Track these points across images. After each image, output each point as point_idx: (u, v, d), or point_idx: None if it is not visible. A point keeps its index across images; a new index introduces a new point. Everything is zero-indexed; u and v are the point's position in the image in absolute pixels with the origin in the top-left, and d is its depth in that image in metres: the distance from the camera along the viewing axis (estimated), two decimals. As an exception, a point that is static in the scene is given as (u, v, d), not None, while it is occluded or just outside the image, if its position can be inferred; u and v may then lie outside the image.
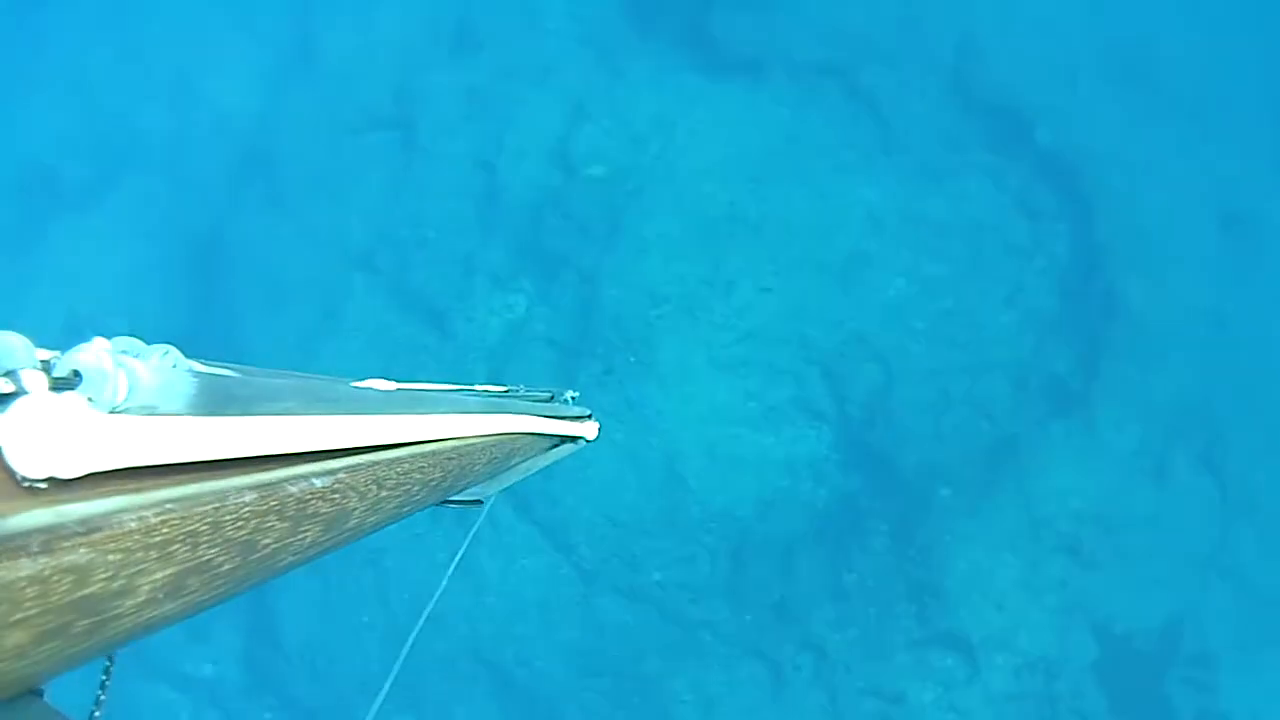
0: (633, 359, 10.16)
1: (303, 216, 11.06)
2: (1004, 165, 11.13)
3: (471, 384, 1.92)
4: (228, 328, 11.19)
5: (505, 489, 1.93)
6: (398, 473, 1.19)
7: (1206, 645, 11.43)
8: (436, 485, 1.35)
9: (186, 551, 0.74)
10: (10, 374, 0.65)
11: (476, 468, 1.56)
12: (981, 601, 10.92)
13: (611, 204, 10.48)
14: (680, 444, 10.21)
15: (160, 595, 0.71)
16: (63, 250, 12.04)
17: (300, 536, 0.93)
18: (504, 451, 1.70)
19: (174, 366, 0.85)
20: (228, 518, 0.80)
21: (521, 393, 2.14)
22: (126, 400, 0.71)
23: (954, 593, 10.82)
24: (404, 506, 1.24)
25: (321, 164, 11.18)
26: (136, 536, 0.68)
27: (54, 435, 0.62)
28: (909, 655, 10.84)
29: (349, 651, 10.17)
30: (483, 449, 1.56)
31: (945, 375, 10.82)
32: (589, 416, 2.33)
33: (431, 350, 10.37)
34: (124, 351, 0.79)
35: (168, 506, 0.72)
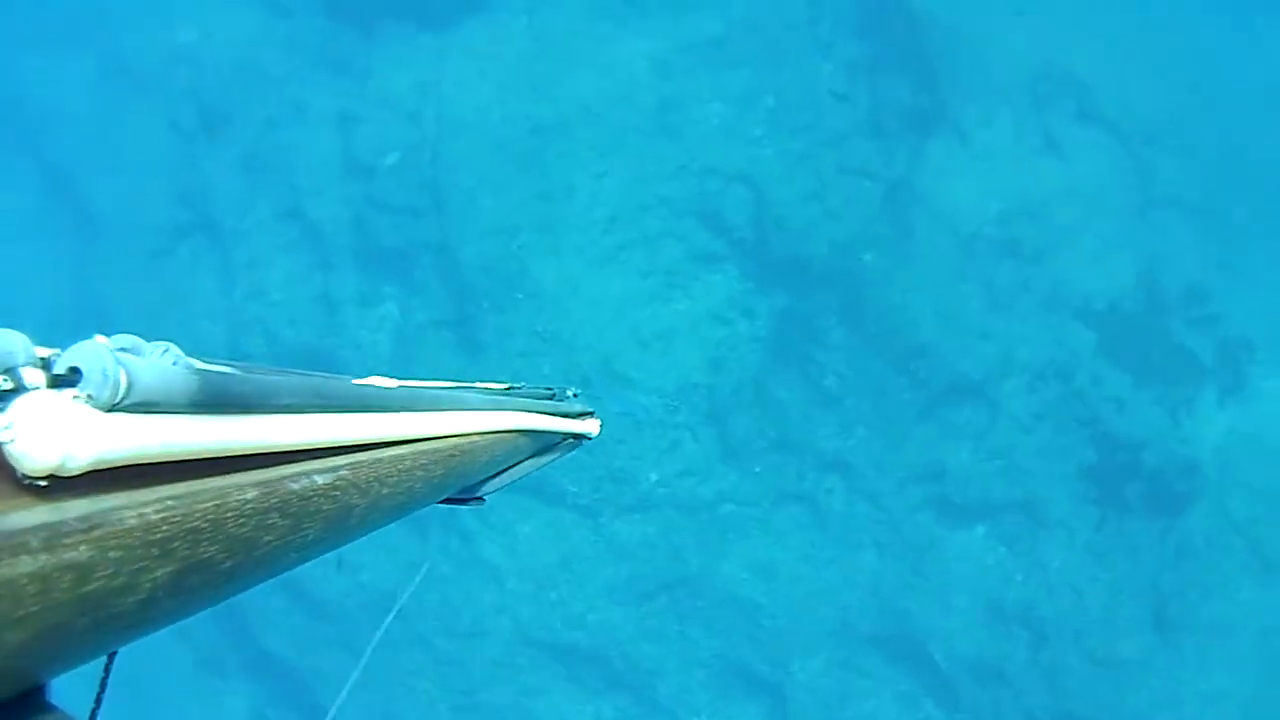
0: (520, 295, 9.96)
1: (159, 354, 10.80)
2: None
3: (472, 381, 1.89)
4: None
5: (505, 487, 1.91)
6: (399, 470, 1.20)
7: (1189, 280, 11.24)
8: (438, 483, 1.36)
9: (188, 549, 0.73)
10: (9, 371, 0.64)
11: (478, 465, 1.57)
12: (964, 339, 10.66)
13: (422, 179, 10.38)
14: (607, 347, 9.98)
15: (161, 593, 0.70)
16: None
17: (302, 534, 0.93)
18: (505, 449, 1.71)
19: (174, 364, 0.85)
20: (229, 515, 0.79)
21: (523, 390, 2.13)
22: (126, 397, 0.68)
23: (933, 344, 10.56)
24: (406, 504, 1.25)
25: (152, 295, 11.04)
26: (137, 534, 0.67)
27: (54, 432, 0.62)
28: (926, 425, 10.54)
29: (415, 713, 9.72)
30: (484, 446, 1.57)
31: (807, 161, 10.72)
32: (591, 414, 2.31)
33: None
34: (124, 348, 0.80)
35: (169, 503, 0.72)
